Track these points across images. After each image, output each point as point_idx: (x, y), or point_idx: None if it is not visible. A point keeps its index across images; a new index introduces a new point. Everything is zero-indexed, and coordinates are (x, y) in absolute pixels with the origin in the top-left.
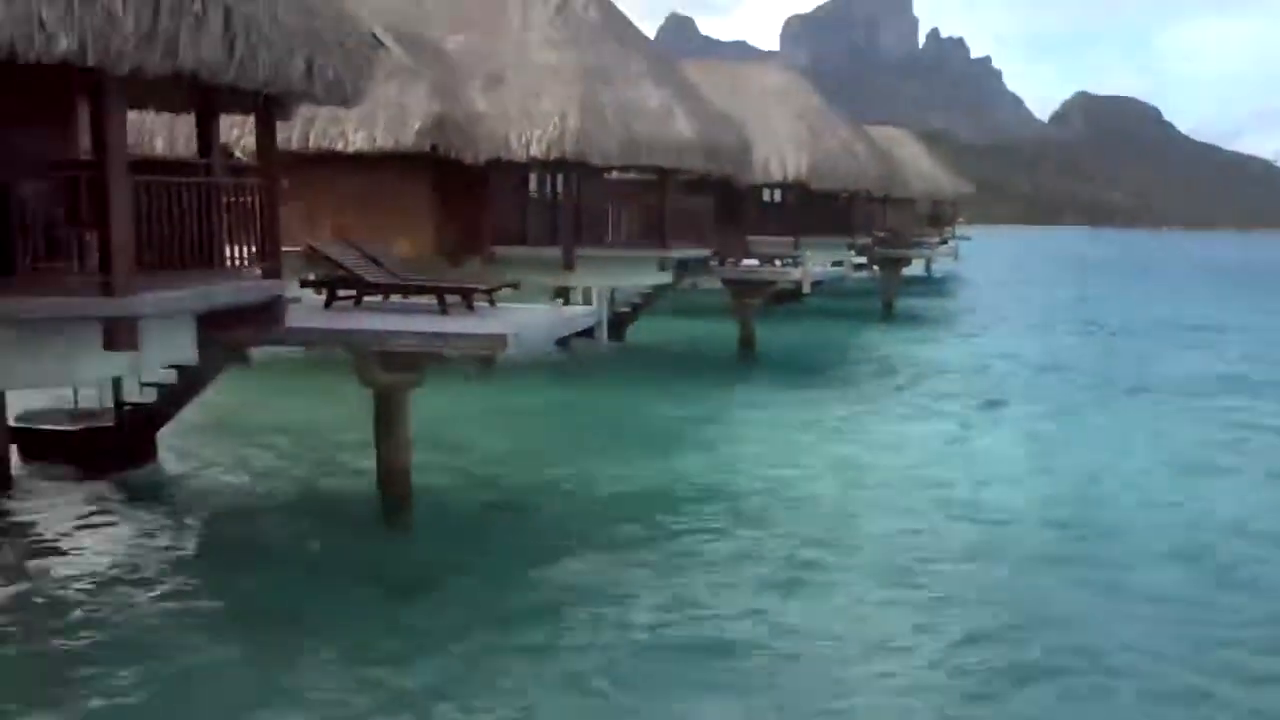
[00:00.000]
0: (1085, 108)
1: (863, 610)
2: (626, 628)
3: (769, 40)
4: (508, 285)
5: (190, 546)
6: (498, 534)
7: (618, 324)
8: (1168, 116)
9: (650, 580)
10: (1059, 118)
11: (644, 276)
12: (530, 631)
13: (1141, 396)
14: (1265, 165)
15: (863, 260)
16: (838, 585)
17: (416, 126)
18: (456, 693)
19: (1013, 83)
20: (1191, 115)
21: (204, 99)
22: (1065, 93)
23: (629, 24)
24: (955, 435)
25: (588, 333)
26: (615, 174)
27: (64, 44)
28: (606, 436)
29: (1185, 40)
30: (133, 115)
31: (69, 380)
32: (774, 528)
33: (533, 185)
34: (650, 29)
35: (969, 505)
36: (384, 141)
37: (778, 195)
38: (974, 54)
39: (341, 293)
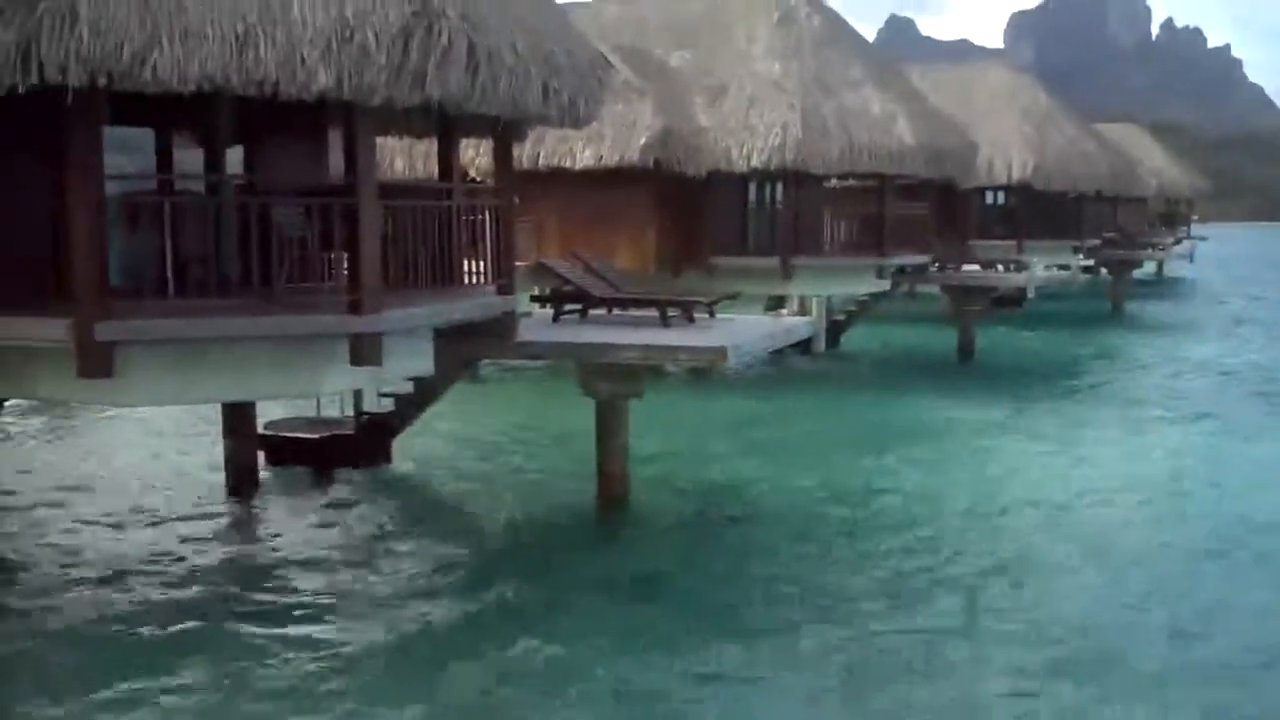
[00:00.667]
0: None
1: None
2: (853, 632)
3: (992, 37)
4: (727, 298)
5: (416, 546)
6: (711, 542)
7: (834, 331)
8: None
9: (866, 586)
10: None
11: (861, 284)
12: (754, 635)
13: None
14: None
15: (1090, 263)
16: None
17: (641, 142)
18: (675, 693)
19: (1254, 72)
20: None
21: (446, 125)
22: None
23: (850, 30)
24: (1181, 448)
25: (804, 341)
26: (835, 181)
27: (323, 80)
28: (818, 445)
29: None
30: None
31: (316, 391)
32: (983, 540)
33: (752, 195)
34: (870, 31)
35: (1210, 518)
36: (610, 158)
37: (1001, 198)
38: (1211, 42)
39: (568, 306)
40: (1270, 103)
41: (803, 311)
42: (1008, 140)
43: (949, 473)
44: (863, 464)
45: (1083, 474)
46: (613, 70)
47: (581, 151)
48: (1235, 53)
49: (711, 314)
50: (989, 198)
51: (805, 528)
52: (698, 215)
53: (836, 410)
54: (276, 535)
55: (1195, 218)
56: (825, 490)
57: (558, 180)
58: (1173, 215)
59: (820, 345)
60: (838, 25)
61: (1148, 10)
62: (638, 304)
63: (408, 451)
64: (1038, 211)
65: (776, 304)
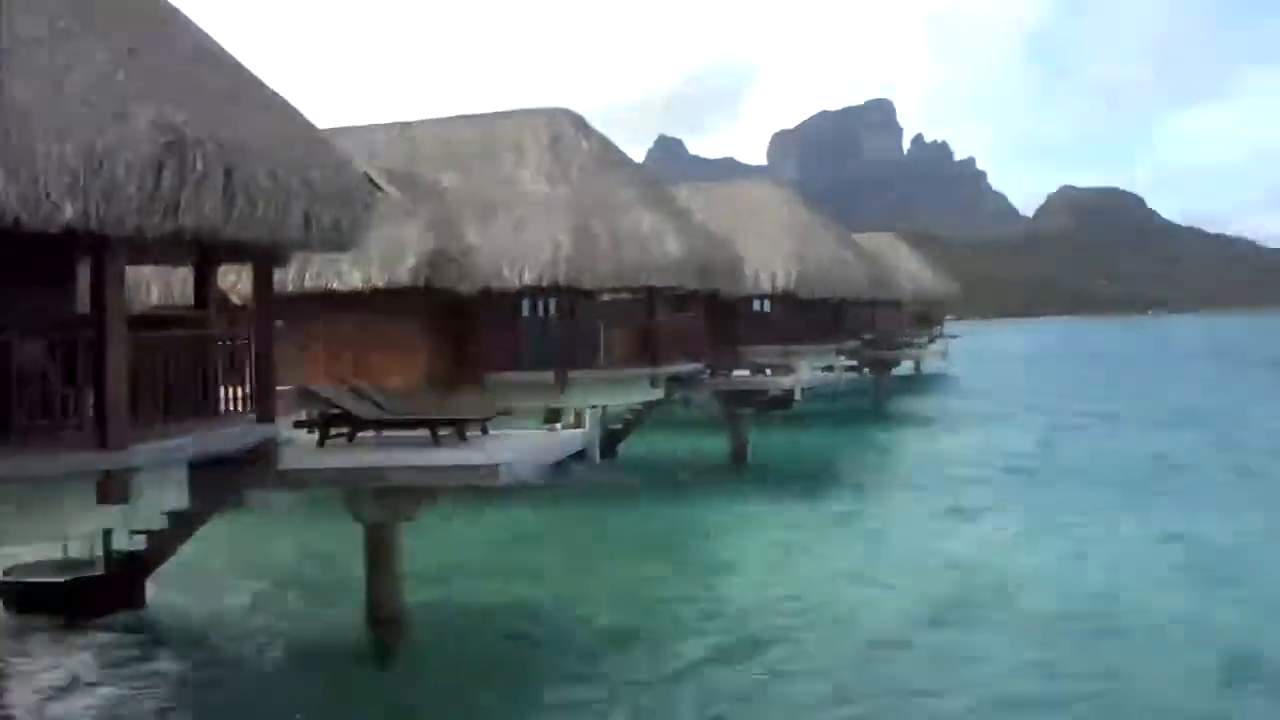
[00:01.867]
0: (1069, 201)
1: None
2: None
3: (757, 155)
4: (499, 414)
5: (177, 697)
6: (496, 665)
7: (611, 441)
8: (1151, 205)
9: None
10: (1044, 212)
11: (636, 394)
12: None
13: (1110, 489)
14: (1251, 245)
15: (853, 363)
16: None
17: (411, 263)
18: None
19: (996, 182)
20: (1176, 203)
21: (202, 253)
22: (1051, 188)
23: (618, 152)
24: (947, 533)
25: (580, 454)
26: (607, 295)
27: (68, 213)
28: (595, 556)
29: (1170, 131)
30: (129, 269)
31: (62, 534)
32: (773, 644)
33: (525, 311)
34: (640, 151)
35: (973, 605)
36: (379, 279)
37: (768, 305)
38: (958, 156)
39: (334, 430)
40: (1013, 210)
41: (579, 423)
42: (772, 252)
43: (719, 574)
44: (639, 572)
45: (837, 565)
46: (380, 193)
47: (350, 273)
48: (979, 165)
49: (484, 430)
50: (756, 305)
51: (581, 641)
52: (472, 333)
53: (614, 520)
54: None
55: (949, 317)
56: (602, 602)
57: (326, 302)
58: (928, 316)
59: (595, 456)
60: (607, 147)
61: (899, 128)
62: (408, 424)
63: (161, 591)
64: (802, 317)
65: (554, 416)
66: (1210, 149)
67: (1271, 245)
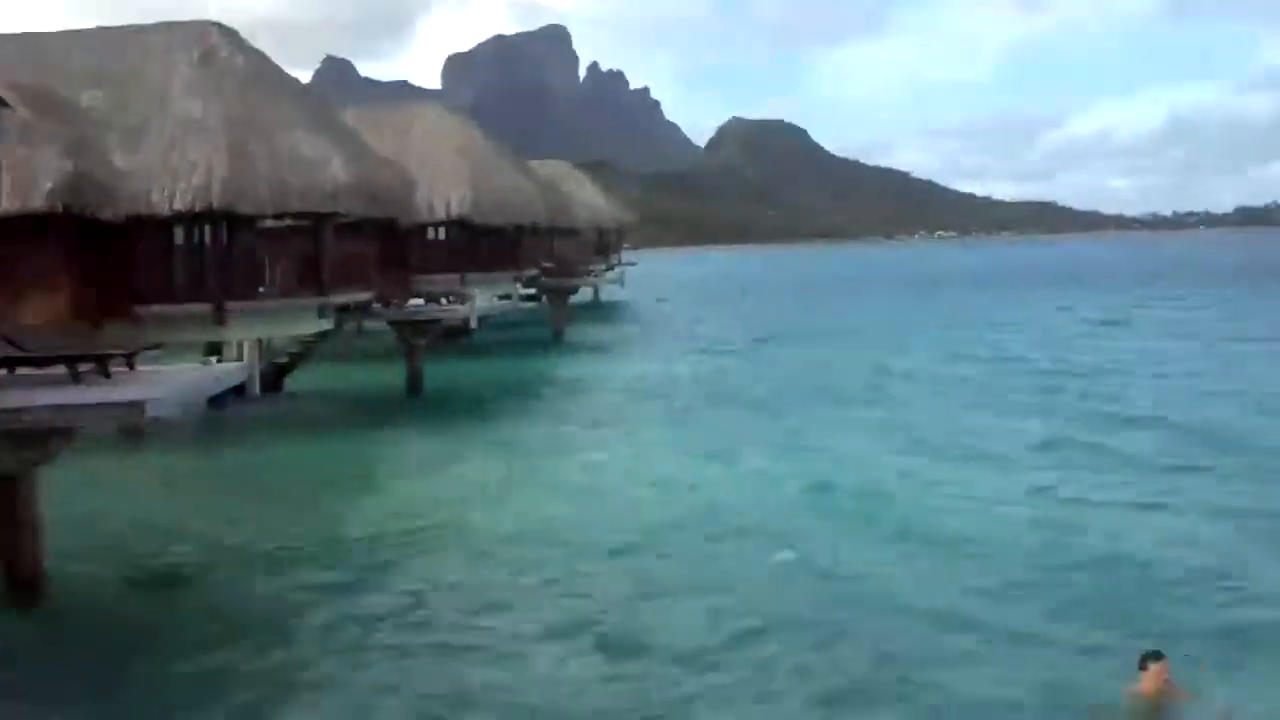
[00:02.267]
0: (739, 132)
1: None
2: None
3: (432, 79)
4: (149, 348)
5: None
6: (142, 627)
7: (276, 375)
8: (815, 137)
9: (311, 653)
10: (714, 144)
11: (303, 325)
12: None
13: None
14: (904, 177)
15: (531, 292)
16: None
17: (46, 187)
18: None
19: (672, 112)
20: (838, 135)
21: None
22: (722, 119)
23: (278, 70)
24: (619, 458)
25: (239, 388)
26: (270, 222)
27: None
28: (259, 496)
29: (834, 63)
30: None
31: None
32: (443, 571)
33: (179, 239)
34: (305, 74)
35: (623, 530)
36: (10, 205)
37: (443, 233)
38: (633, 85)
39: None
40: (688, 141)
41: (241, 356)
42: (446, 178)
43: (386, 506)
44: (300, 510)
45: (503, 490)
46: (8, 111)
47: None
48: (655, 95)
49: (131, 366)
50: (431, 233)
51: (231, 585)
52: (119, 263)
53: (277, 456)
54: None
55: (627, 246)
56: (257, 542)
57: None
58: (606, 245)
59: (256, 389)
60: (264, 64)
61: (575, 55)
62: (43, 361)
63: None
64: (479, 245)
65: (214, 350)
66: (865, 84)
67: (919, 175)
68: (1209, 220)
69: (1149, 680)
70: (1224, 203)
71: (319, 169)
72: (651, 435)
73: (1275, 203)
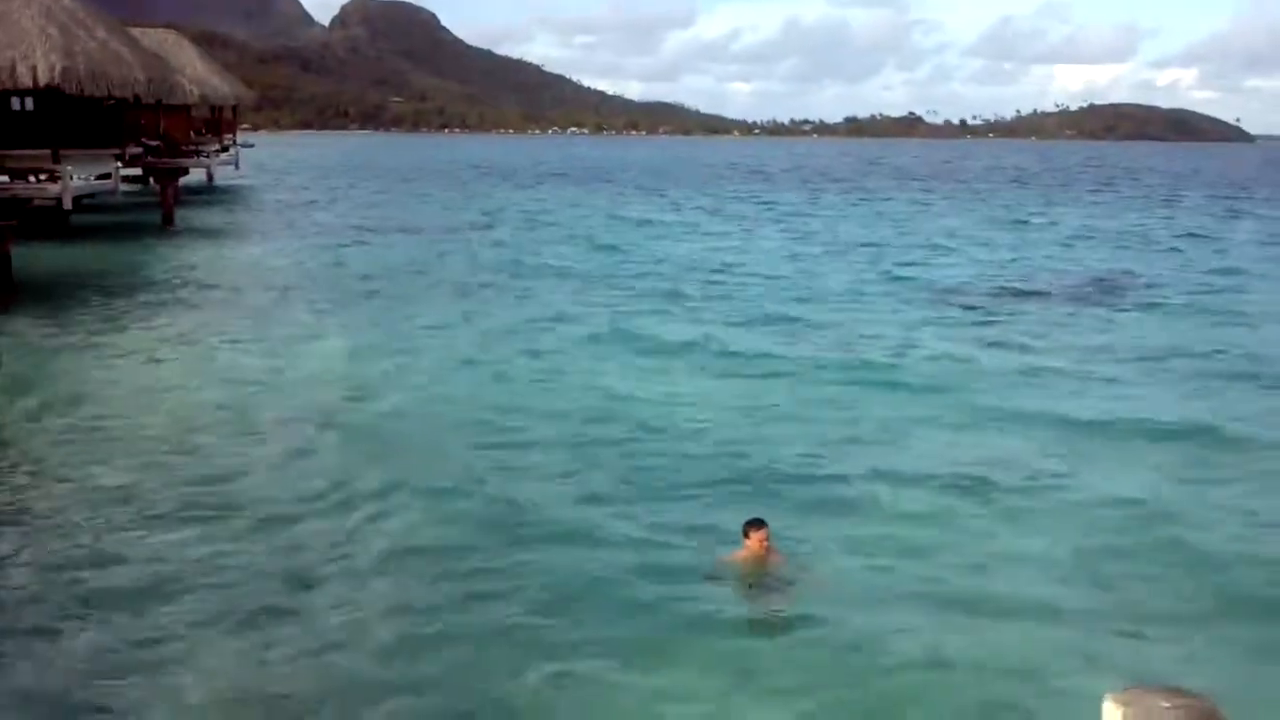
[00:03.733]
0: (364, 11)
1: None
2: None
3: None
4: None
5: None
6: None
7: None
8: (445, 22)
9: None
10: (339, 21)
11: None
12: None
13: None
14: (536, 70)
15: (137, 172)
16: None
17: None
18: None
19: None
20: (469, 21)
21: None
22: None
23: None
24: (227, 355)
25: None
26: None
27: None
28: None
29: None
30: None
31: None
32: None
33: None
34: None
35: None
36: None
37: (30, 104)
38: None
39: None
40: (310, 17)
41: None
42: (31, 42)
43: None
44: None
45: (105, 388)
46: None
47: None
48: None
49: None
50: (16, 103)
51: None
52: None
53: None
54: None
55: (245, 126)
56: None
57: None
58: (218, 123)
59: None
60: None
61: None
62: None
63: None
64: (73, 118)
65: None
66: None
67: (551, 70)
68: (822, 129)
69: (750, 546)
70: (835, 113)
71: None
72: (280, 325)
73: (877, 115)
